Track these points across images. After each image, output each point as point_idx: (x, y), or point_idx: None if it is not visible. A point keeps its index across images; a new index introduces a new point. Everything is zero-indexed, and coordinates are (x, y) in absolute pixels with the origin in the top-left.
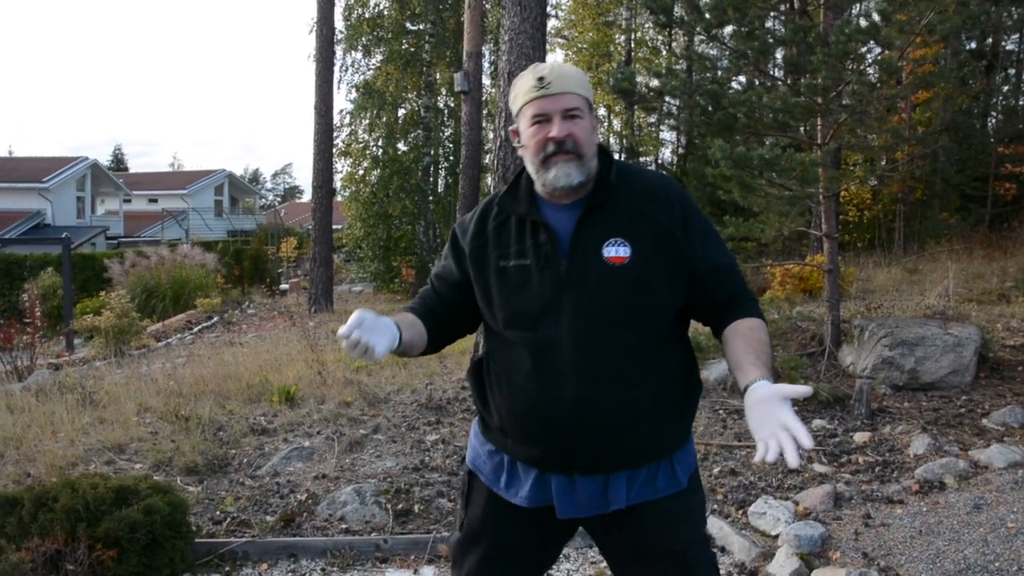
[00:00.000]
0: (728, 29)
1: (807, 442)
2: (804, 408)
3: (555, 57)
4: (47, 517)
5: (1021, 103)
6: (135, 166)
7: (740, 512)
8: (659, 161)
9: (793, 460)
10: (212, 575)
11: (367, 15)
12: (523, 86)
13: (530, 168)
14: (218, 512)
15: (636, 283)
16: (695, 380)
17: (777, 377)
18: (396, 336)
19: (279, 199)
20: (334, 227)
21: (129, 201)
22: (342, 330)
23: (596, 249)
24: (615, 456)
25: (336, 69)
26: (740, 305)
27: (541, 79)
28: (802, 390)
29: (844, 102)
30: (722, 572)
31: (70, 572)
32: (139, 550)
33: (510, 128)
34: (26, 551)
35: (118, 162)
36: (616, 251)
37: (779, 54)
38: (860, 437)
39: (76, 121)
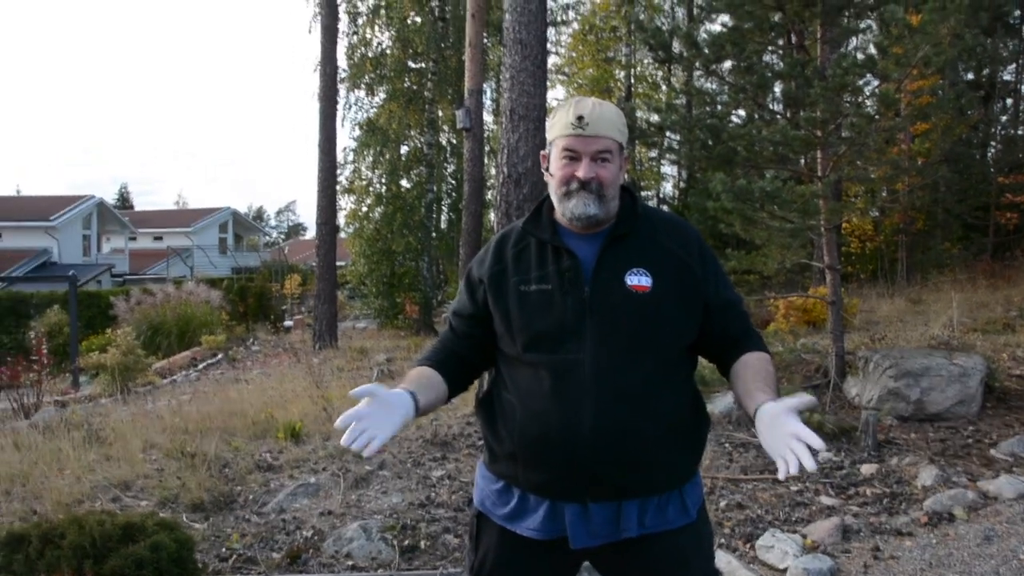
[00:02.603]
0: (726, 64)
1: (817, 443)
2: None
3: (555, 94)
4: (54, 554)
5: (1019, 133)
6: (140, 204)
7: (748, 546)
8: (660, 196)
9: (810, 465)
10: None
11: (370, 54)
12: (561, 119)
13: (553, 197)
14: (224, 549)
15: (656, 313)
16: (704, 415)
17: None
18: (408, 411)
19: (283, 236)
20: (338, 264)
21: (134, 239)
22: (339, 422)
23: (619, 277)
24: (629, 482)
25: (339, 107)
26: (747, 341)
27: (580, 118)
28: (806, 400)
29: (843, 134)
30: None
31: None
32: None
33: (541, 152)
34: None
35: (124, 200)
36: (639, 280)
37: (777, 88)
38: (867, 469)
39: (82, 160)
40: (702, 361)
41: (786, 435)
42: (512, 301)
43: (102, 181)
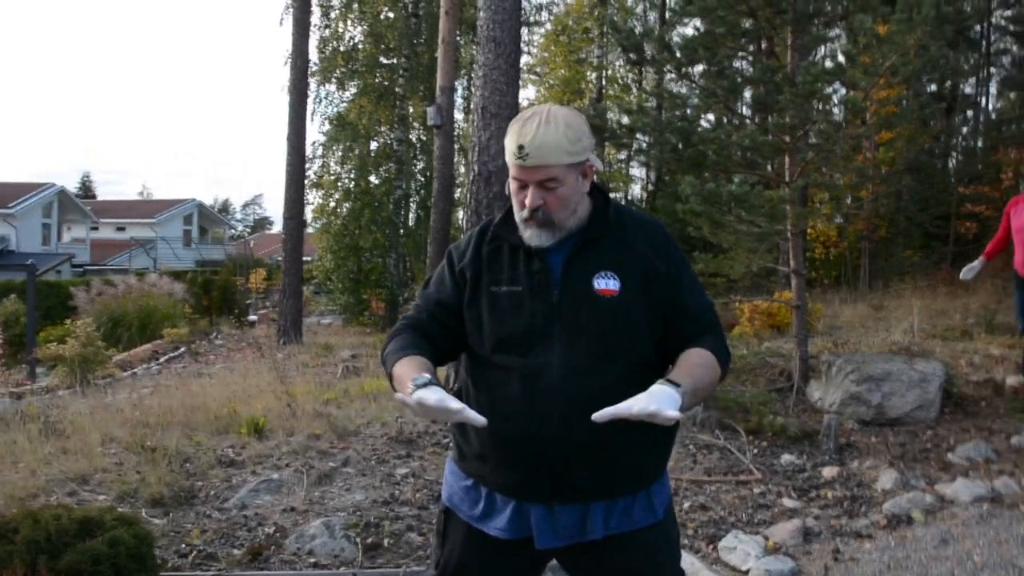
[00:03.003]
0: (698, 68)
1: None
2: (773, 443)
3: (527, 94)
4: (6, 549)
5: (979, 144)
6: (103, 194)
7: (711, 547)
8: (629, 197)
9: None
10: None
11: (341, 48)
12: (508, 145)
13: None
14: (184, 545)
15: (623, 316)
16: None
17: (746, 412)
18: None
19: (249, 230)
20: (304, 259)
21: (96, 229)
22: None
23: (587, 280)
24: (596, 485)
25: (310, 101)
26: (705, 338)
27: (521, 147)
28: (667, 415)
29: (811, 141)
30: None
31: None
32: None
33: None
34: None
35: (86, 189)
36: (606, 284)
37: (747, 93)
38: (828, 472)
39: (41, 148)
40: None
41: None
42: (484, 301)
43: (62, 170)
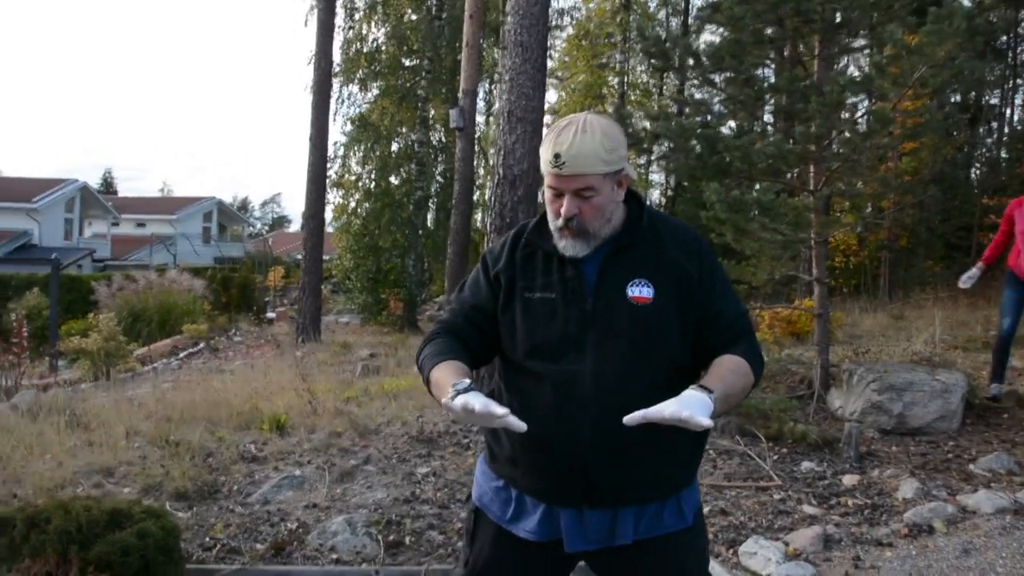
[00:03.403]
0: (722, 75)
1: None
2: (793, 450)
3: (548, 98)
4: (39, 539)
5: (1003, 155)
6: (124, 190)
7: (731, 551)
8: (648, 203)
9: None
10: None
11: (365, 49)
12: (544, 154)
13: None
14: (208, 539)
15: (657, 323)
16: None
17: (766, 418)
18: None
19: (267, 228)
20: (323, 258)
21: (117, 225)
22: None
23: (621, 288)
24: (627, 491)
25: (332, 101)
26: (738, 345)
27: (557, 156)
28: (699, 422)
29: (837, 150)
30: None
31: None
32: (131, 574)
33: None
34: (17, 572)
35: (107, 185)
36: (640, 291)
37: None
38: (849, 480)
39: (64, 143)
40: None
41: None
42: (518, 307)
43: (84, 166)
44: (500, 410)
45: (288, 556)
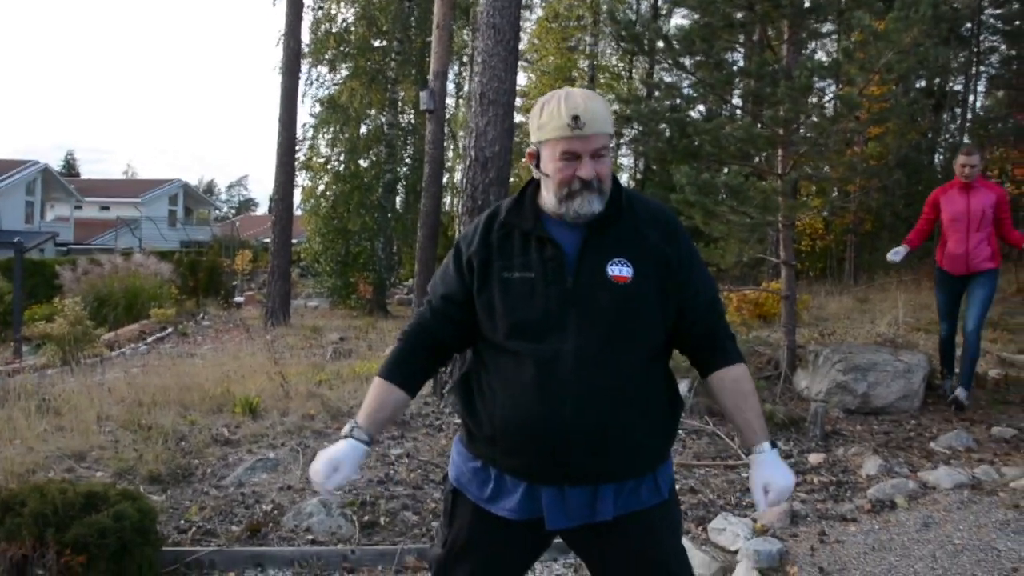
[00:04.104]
0: (692, 59)
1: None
2: None
3: (519, 80)
4: (14, 522)
5: (966, 141)
6: (87, 172)
7: (700, 528)
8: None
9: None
10: None
11: (334, 30)
12: (554, 119)
13: (549, 195)
14: (183, 521)
15: (636, 302)
16: (678, 400)
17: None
18: (365, 454)
19: (234, 211)
20: (292, 243)
21: (80, 208)
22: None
23: (601, 267)
24: (607, 468)
25: (301, 82)
26: (723, 344)
27: (576, 118)
28: (775, 510)
29: (805, 134)
30: None
31: None
32: (108, 556)
33: (527, 150)
34: None
35: (70, 168)
36: (620, 270)
37: (740, 85)
38: (815, 458)
39: (22, 125)
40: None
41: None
42: (496, 287)
43: (44, 147)
44: (320, 476)
45: (264, 537)
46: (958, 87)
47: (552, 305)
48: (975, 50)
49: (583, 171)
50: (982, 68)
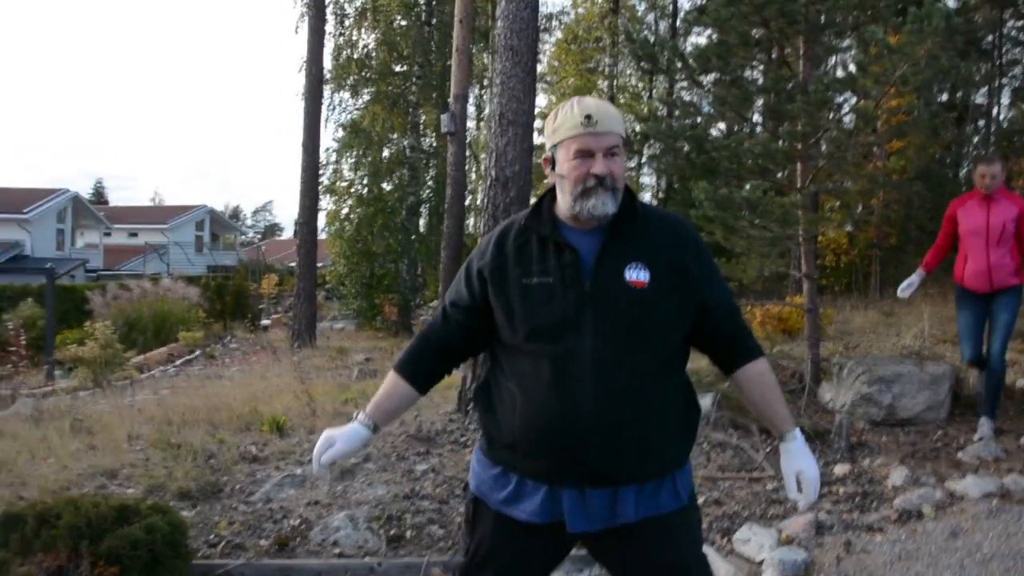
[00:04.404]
0: (710, 76)
1: (803, 504)
2: None
3: (538, 101)
4: (50, 534)
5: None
6: (115, 200)
7: (725, 539)
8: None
9: (802, 507)
10: None
11: (355, 56)
12: (568, 120)
13: (564, 196)
14: (212, 536)
15: (653, 306)
16: (695, 405)
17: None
18: (368, 441)
19: (259, 236)
20: (317, 265)
21: (109, 235)
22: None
23: (619, 271)
24: (626, 468)
25: (323, 108)
26: (744, 342)
27: (589, 117)
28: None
29: (823, 148)
30: None
31: None
32: (140, 568)
33: (543, 157)
34: (29, 567)
35: (98, 195)
36: (637, 275)
37: (759, 101)
38: (840, 469)
39: (53, 153)
40: (689, 364)
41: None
42: (514, 292)
43: (73, 176)
44: (326, 456)
45: (292, 551)
46: (981, 100)
47: (570, 308)
48: (998, 63)
49: (597, 167)
50: (1004, 80)
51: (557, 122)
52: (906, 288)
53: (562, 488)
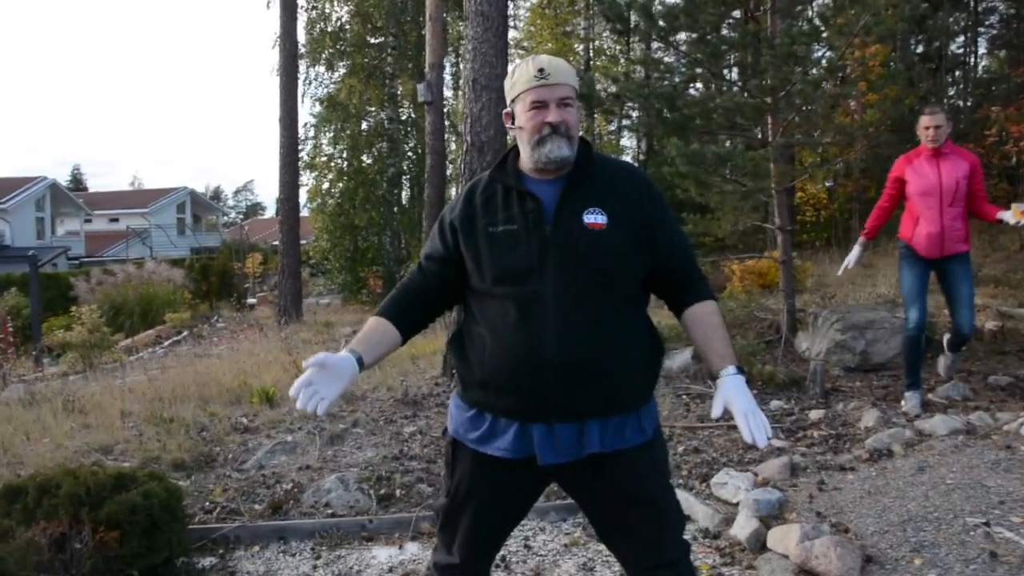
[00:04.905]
0: (683, 35)
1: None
2: (763, 391)
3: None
4: (51, 503)
5: (968, 104)
6: (94, 186)
7: (703, 484)
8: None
9: (763, 442)
10: (207, 557)
11: (329, 29)
12: (523, 75)
13: (524, 147)
14: (208, 503)
15: (611, 247)
16: (658, 346)
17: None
18: (354, 372)
19: (242, 216)
20: (300, 242)
21: (90, 221)
22: (292, 390)
23: (578, 216)
24: (590, 402)
25: (299, 83)
26: (694, 285)
27: (541, 70)
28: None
29: (792, 101)
30: (688, 538)
31: (76, 551)
32: (139, 532)
33: (503, 111)
34: (35, 532)
35: (77, 182)
36: (595, 218)
37: (733, 58)
38: (815, 414)
39: (26, 143)
40: (664, 322)
41: (719, 404)
42: (482, 240)
43: (49, 164)
44: (315, 376)
45: (285, 514)
46: (959, 49)
47: (533, 252)
48: (973, 11)
49: (551, 116)
50: (981, 29)
51: (514, 78)
52: (849, 264)
53: (532, 424)
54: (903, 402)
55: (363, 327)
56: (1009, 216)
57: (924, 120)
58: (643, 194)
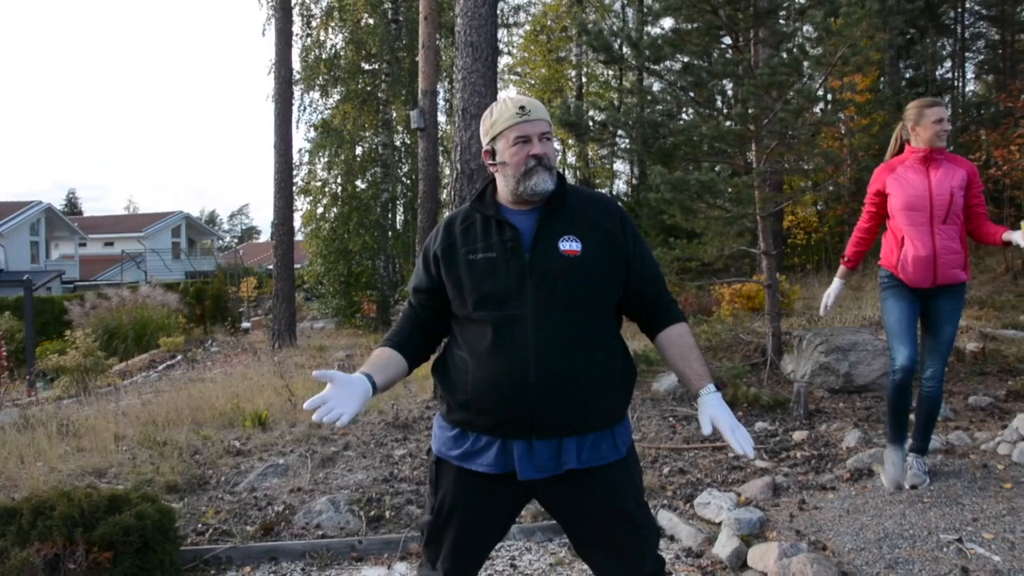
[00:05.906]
0: (671, 65)
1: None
2: (748, 412)
3: (509, 92)
4: (45, 524)
5: (957, 126)
6: (89, 210)
7: (688, 505)
8: (615, 192)
9: (751, 452)
10: None
11: (324, 56)
12: (504, 113)
13: (508, 181)
14: (200, 524)
15: (586, 272)
16: (631, 367)
17: (722, 385)
18: (367, 391)
19: (237, 240)
20: (294, 266)
21: (84, 245)
22: (308, 404)
23: (554, 243)
24: (567, 419)
25: (294, 109)
26: (666, 307)
27: (522, 107)
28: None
29: (773, 128)
30: (670, 558)
31: (70, 571)
32: (132, 552)
33: (483, 150)
34: (29, 552)
35: (72, 206)
36: (570, 245)
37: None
38: (798, 435)
39: (23, 166)
40: (648, 344)
41: (707, 422)
42: (463, 268)
43: (45, 188)
44: (328, 390)
45: (277, 535)
46: (948, 75)
47: (512, 278)
48: (960, 36)
49: (535, 149)
50: (969, 54)
51: (494, 118)
52: (828, 303)
53: (512, 441)
54: (885, 465)
55: (370, 356)
56: (1018, 237)
57: (931, 113)
58: (615, 222)
